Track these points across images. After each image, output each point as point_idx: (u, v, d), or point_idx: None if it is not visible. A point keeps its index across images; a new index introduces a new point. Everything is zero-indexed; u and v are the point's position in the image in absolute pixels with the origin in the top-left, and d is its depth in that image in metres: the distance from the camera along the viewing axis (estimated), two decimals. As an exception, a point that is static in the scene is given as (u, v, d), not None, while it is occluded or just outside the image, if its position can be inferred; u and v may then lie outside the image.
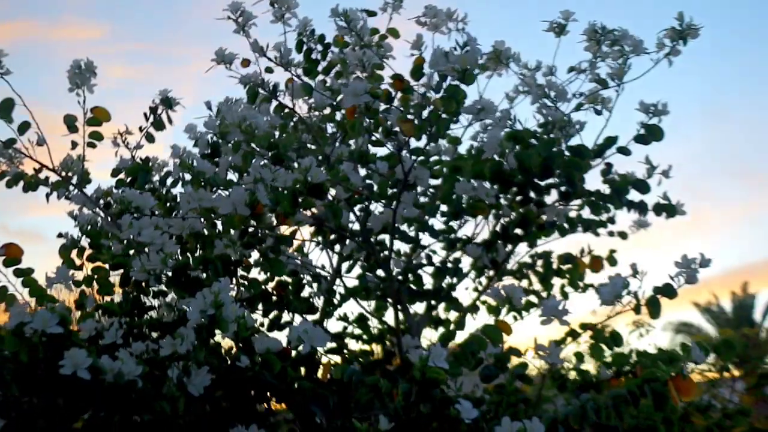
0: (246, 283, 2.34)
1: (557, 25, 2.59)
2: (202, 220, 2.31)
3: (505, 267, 2.59)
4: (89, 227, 3.16)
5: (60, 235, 3.15)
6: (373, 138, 2.37)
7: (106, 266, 2.73)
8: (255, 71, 3.20)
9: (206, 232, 2.32)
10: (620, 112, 2.62)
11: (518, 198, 2.43)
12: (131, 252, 2.35)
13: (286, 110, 3.10)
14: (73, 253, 2.95)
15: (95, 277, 2.80)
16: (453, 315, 2.63)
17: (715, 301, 18.08)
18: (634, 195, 2.50)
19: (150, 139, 3.37)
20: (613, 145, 2.49)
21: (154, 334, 2.48)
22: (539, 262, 2.61)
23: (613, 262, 2.65)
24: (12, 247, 2.86)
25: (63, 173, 3.18)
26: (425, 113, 2.18)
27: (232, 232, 2.28)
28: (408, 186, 2.31)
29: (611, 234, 2.78)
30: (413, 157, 2.29)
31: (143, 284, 2.43)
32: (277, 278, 2.38)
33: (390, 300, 2.51)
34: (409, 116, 2.12)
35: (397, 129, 2.21)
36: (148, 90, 2.93)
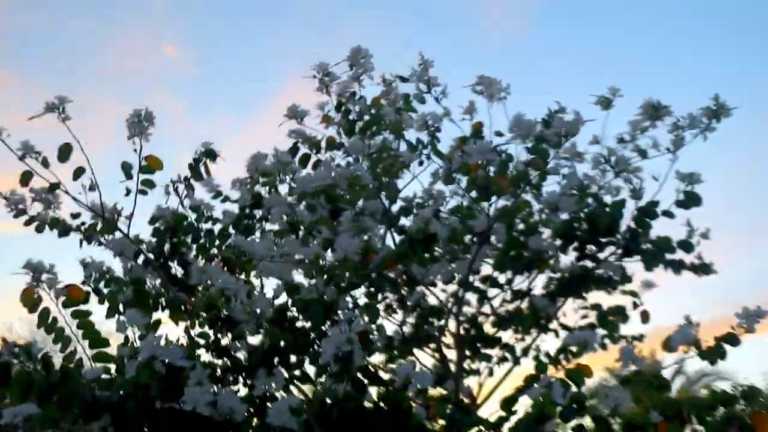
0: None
1: (605, 99, 2.87)
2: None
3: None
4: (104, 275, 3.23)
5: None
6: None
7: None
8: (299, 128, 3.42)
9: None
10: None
11: (576, 254, 2.66)
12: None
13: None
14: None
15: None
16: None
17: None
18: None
19: (190, 187, 3.47)
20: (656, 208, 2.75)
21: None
22: (591, 314, 2.81)
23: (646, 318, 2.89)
24: (74, 289, 2.88)
25: (110, 218, 3.22)
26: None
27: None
28: (486, 240, 2.49)
29: (624, 292, 3.03)
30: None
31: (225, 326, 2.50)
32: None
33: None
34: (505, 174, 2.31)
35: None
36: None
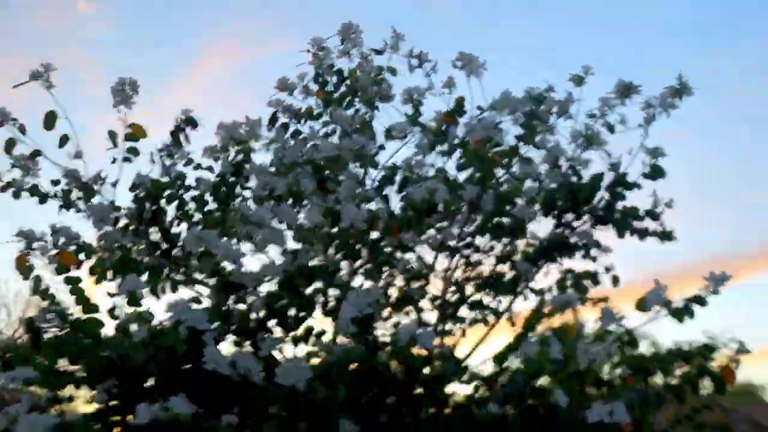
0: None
1: (578, 77, 3.05)
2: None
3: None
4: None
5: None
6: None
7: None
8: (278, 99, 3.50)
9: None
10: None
11: (554, 222, 2.85)
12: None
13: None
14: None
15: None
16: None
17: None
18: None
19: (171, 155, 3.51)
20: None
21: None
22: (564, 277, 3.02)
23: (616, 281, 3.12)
24: (66, 255, 2.90)
25: (92, 185, 3.25)
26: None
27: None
28: (476, 208, 2.66)
29: (587, 257, 3.26)
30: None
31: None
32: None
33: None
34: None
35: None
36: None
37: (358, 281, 2.72)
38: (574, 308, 2.64)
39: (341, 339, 2.17)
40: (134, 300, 2.89)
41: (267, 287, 2.59)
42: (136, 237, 3.45)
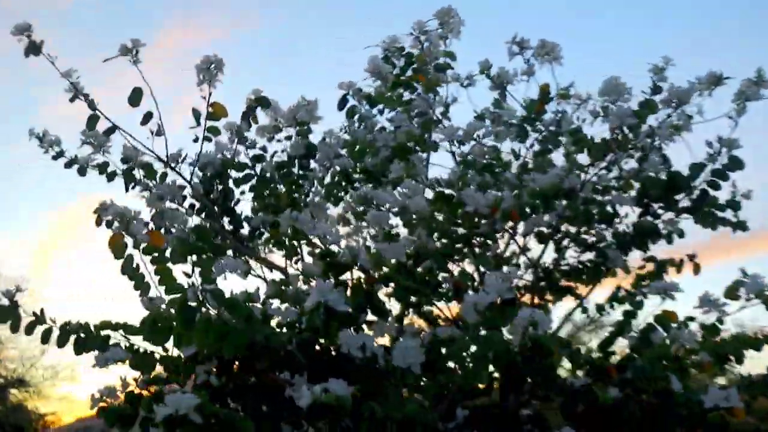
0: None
1: (658, 68, 3.08)
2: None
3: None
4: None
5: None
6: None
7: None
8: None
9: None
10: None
11: (641, 210, 2.90)
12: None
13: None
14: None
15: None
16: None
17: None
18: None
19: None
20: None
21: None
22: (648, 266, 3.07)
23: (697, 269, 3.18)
24: (155, 235, 2.87)
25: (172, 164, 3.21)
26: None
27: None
28: (575, 197, 2.68)
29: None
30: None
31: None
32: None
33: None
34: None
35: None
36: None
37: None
38: (671, 295, 2.70)
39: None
40: (209, 279, 2.90)
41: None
42: (207, 217, 3.43)
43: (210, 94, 3.08)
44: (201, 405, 1.94)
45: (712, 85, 2.88)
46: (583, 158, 2.78)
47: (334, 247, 2.60)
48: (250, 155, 3.43)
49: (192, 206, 3.50)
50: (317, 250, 3.02)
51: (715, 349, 2.67)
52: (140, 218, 2.79)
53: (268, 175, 3.55)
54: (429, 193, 2.68)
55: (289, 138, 3.59)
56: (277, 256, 3.41)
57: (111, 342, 2.92)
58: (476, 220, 2.39)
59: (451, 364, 2.42)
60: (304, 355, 2.08)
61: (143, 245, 2.82)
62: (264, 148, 3.65)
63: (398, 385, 2.21)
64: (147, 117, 3.03)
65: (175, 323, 2.20)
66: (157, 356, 2.77)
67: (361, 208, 2.65)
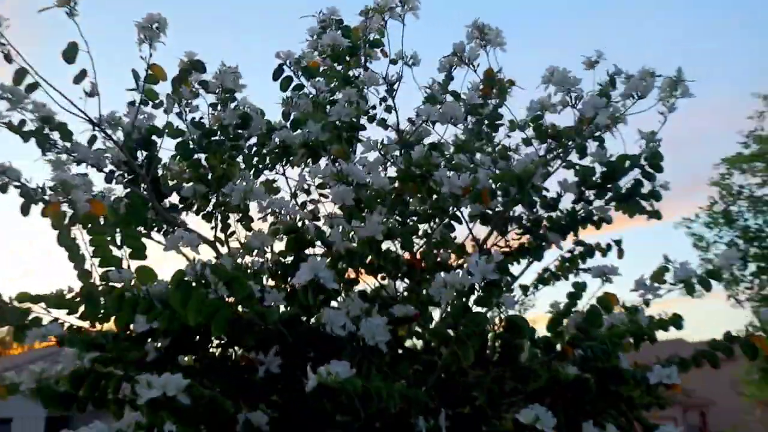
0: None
1: (591, 62, 3.23)
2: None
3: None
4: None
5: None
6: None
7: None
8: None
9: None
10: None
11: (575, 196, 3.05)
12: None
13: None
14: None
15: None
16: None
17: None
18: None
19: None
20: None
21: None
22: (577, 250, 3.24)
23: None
24: (97, 204, 2.68)
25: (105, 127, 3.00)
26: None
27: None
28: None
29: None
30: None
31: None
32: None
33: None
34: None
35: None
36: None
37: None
38: (610, 278, 2.88)
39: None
40: (138, 254, 2.76)
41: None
42: (130, 184, 3.24)
43: (150, 55, 2.90)
44: (190, 386, 1.85)
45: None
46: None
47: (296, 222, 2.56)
48: (188, 120, 3.25)
49: (112, 172, 3.29)
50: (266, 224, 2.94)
51: (635, 331, 2.88)
52: (81, 185, 2.60)
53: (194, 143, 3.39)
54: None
55: (213, 105, 3.45)
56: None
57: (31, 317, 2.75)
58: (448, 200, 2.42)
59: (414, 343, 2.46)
60: (291, 333, 2.03)
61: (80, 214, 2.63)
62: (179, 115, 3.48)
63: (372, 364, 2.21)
64: (81, 75, 2.81)
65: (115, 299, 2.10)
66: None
67: (321, 182, 2.60)
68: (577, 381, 2.37)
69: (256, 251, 2.79)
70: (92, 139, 3.06)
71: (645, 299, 2.91)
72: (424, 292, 2.81)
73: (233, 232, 3.21)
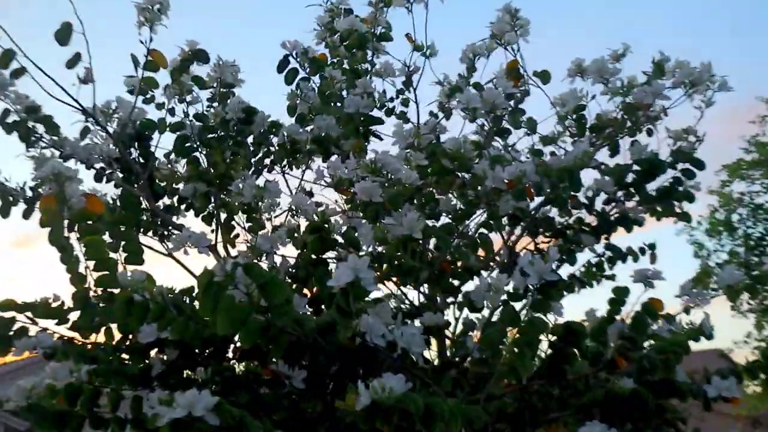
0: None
1: (618, 54, 3.05)
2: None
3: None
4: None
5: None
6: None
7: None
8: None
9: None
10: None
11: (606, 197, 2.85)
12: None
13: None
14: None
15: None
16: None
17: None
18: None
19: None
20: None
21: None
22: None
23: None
24: (93, 199, 2.40)
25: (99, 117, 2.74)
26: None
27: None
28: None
29: None
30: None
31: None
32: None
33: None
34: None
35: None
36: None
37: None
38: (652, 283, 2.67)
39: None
40: (135, 259, 2.50)
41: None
42: (124, 183, 2.96)
43: (151, 40, 2.64)
44: (219, 405, 1.59)
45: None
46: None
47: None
48: (191, 114, 2.98)
49: (102, 170, 3.01)
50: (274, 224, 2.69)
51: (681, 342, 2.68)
52: (78, 178, 2.32)
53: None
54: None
55: (212, 100, 3.19)
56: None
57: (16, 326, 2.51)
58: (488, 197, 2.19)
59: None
60: (328, 342, 1.78)
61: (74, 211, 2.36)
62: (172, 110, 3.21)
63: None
64: (75, 59, 2.53)
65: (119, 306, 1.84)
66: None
67: (343, 177, 2.36)
68: (633, 395, 2.15)
69: (265, 254, 2.55)
70: (85, 131, 2.78)
71: (686, 306, 2.72)
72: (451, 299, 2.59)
73: (237, 235, 2.95)
